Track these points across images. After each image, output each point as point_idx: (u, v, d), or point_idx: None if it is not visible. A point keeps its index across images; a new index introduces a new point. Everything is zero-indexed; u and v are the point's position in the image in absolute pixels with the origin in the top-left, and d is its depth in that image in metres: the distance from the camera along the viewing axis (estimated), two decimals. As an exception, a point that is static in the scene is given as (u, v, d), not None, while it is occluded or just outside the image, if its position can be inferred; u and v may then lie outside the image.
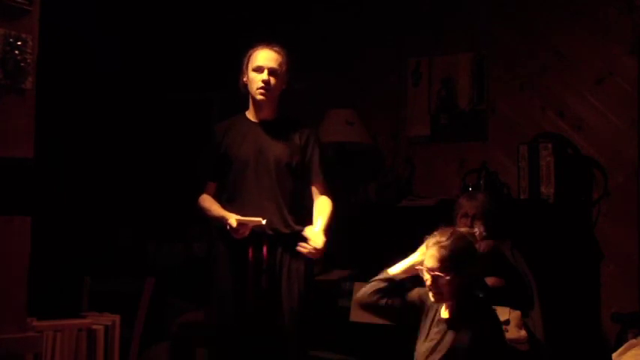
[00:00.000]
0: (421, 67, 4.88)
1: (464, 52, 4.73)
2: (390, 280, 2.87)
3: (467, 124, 4.71)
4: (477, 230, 3.62)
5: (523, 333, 3.36)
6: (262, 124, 3.27)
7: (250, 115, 3.30)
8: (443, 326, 2.74)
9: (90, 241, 4.96)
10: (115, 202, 5.30)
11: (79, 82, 5.10)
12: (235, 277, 3.15)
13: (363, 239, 4.47)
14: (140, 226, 5.33)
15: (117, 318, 3.12)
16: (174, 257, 5.15)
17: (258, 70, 3.19)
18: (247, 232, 3.07)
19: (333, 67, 5.06)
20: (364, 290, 2.90)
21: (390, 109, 4.97)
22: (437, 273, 2.68)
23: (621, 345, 3.24)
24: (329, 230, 3.13)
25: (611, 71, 4.27)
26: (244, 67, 3.26)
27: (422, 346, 2.77)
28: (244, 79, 3.26)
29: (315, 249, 3.05)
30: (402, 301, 2.87)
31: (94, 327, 2.98)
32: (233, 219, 3.06)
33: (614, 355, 3.10)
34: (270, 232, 3.12)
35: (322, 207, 3.22)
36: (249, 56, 3.24)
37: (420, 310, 2.85)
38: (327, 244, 3.07)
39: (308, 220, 3.21)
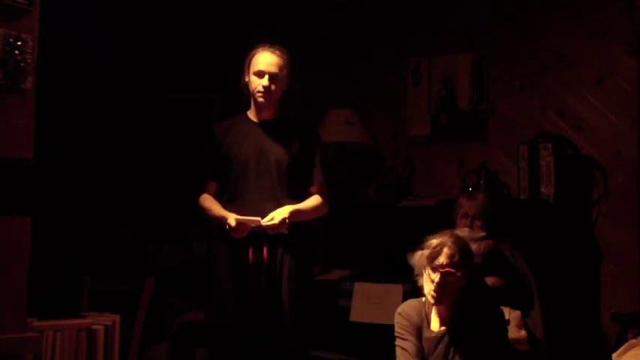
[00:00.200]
0: (421, 67, 4.88)
1: (464, 52, 4.73)
2: None
3: (467, 124, 4.71)
4: (483, 233, 3.64)
5: (523, 333, 3.37)
6: (263, 124, 3.26)
7: (251, 115, 3.30)
8: (444, 340, 2.74)
9: (90, 241, 4.96)
10: (115, 202, 5.30)
11: (79, 82, 5.10)
12: (235, 277, 3.15)
13: (363, 239, 4.47)
14: (140, 226, 5.33)
15: (117, 318, 3.12)
16: (174, 257, 5.15)
17: (259, 74, 3.19)
18: (247, 232, 3.07)
19: (333, 67, 5.06)
20: None
21: (390, 109, 4.97)
22: (448, 269, 2.69)
23: (621, 345, 3.24)
24: (298, 216, 3.10)
25: (611, 71, 4.27)
26: (246, 67, 3.25)
27: None
28: (246, 80, 3.26)
29: (272, 218, 3.04)
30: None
31: (94, 327, 2.99)
32: (232, 219, 3.06)
33: (614, 355, 3.10)
34: (272, 233, 3.12)
35: (308, 200, 3.21)
36: (251, 58, 3.23)
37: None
38: (286, 221, 3.04)
39: (308, 221, 3.22)
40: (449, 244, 2.73)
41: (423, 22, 4.87)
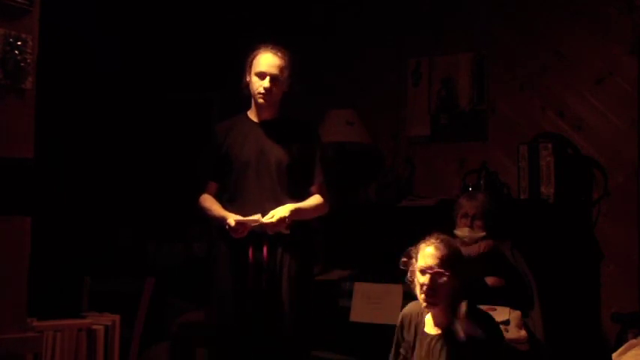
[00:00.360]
0: (421, 67, 4.88)
1: (464, 52, 4.73)
2: None
3: (467, 124, 4.71)
4: (483, 233, 3.63)
5: (523, 333, 3.36)
6: (264, 124, 3.26)
7: (252, 115, 3.30)
8: (439, 342, 2.74)
9: (90, 241, 4.96)
10: (115, 202, 5.30)
11: (79, 82, 5.10)
12: (235, 277, 3.15)
13: (363, 239, 4.47)
14: (140, 226, 5.33)
15: (117, 318, 3.12)
16: (174, 257, 5.15)
17: (260, 76, 3.19)
18: (246, 232, 3.07)
19: (333, 67, 5.06)
20: None
21: (390, 109, 4.97)
22: (437, 270, 2.69)
23: (621, 345, 3.24)
24: (298, 215, 3.11)
25: (611, 71, 4.27)
26: (247, 67, 3.25)
27: None
28: (247, 80, 3.26)
29: (272, 216, 3.04)
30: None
31: (94, 327, 2.99)
32: (232, 219, 3.06)
33: (614, 355, 3.10)
34: (271, 233, 3.12)
35: (308, 199, 3.21)
36: (253, 58, 3.23)
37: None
38: (286, 220, 3.04)
39: (308, 220, 3.22)
40: (435, 244, 2.73)
41: (423, 22, 4.87)
